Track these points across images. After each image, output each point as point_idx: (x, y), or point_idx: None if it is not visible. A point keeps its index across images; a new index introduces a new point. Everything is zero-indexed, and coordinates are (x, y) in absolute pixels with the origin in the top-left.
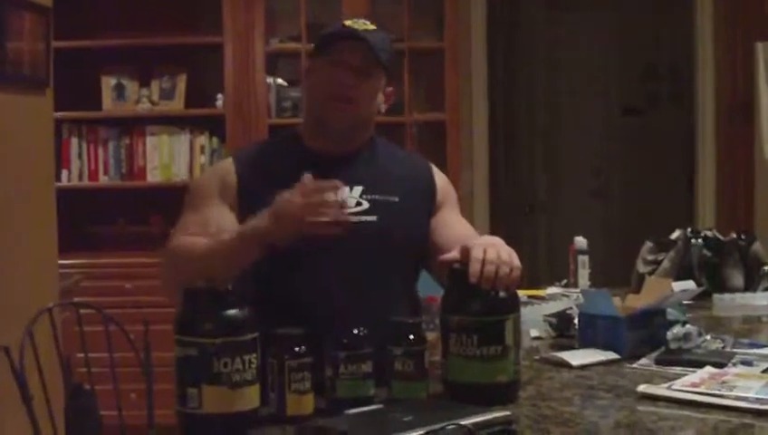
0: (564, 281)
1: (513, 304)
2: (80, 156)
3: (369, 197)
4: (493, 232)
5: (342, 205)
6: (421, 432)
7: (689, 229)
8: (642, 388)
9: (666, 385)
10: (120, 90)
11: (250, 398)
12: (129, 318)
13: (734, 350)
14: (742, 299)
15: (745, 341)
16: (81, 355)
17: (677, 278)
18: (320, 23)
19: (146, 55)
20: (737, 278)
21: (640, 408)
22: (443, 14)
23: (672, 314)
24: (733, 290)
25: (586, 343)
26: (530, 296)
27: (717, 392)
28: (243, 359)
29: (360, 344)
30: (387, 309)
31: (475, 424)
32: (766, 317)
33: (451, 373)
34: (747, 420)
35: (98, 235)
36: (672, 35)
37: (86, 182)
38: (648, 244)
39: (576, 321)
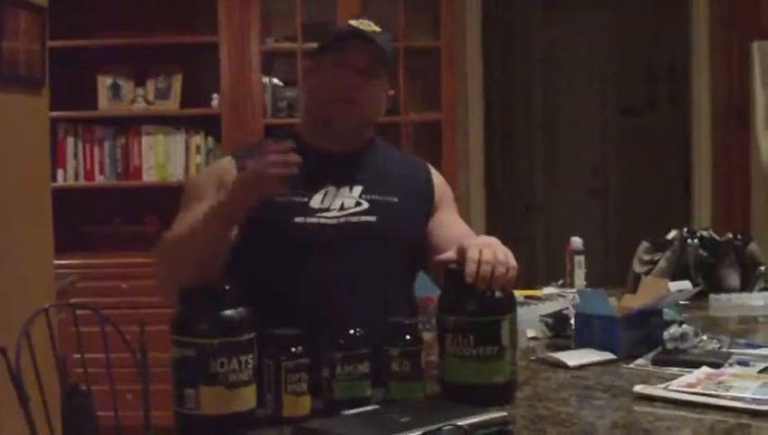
0: (561, 281)
1: (510, 305)
2: (75, 155)
3: (368, 197)
4: (489, 232)
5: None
6: (418, 433)
7: (685, 229)
8: (639, 388)
9: (662, 385)
10: (115, 89)
11: (247, 399)
12: (125, 319)
13: (731, 350)
14: (738, 299)
15: (742, 341)
16: (78, 356)
17: (674, 278)
18: (315, 22)
19: (141, 55)
20: (733, 278)
21: (637, 408)
22: (438, 14)
23: (668, 314)
24: (729, 290)
25: (582, 344)
26: (526, 297)
27: (714, 393)
28: (239, 359)
29: (357, 345)
30: (385, 309)
31: (471, 425)
32: (762, 317)
33: (448, 374)
34: (744, 421)
35: (94, 235)
36: (670, 36)
37: (82, 182)
38: (645, 244)
39: (572, 321)
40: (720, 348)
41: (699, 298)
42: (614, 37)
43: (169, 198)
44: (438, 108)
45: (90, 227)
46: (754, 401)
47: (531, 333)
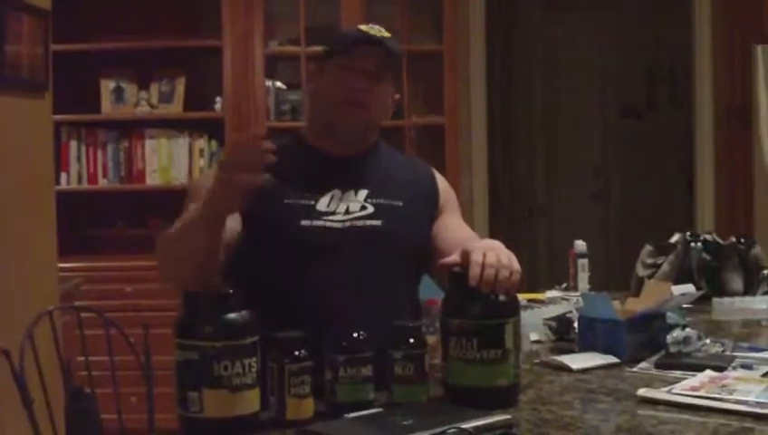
0: (564, 284)
1: (513, 308)
2: (79, 159)
3: (373, 201)
4: (492, 236)
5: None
6: None
7: (689, 233)
8: (642, 392)
9: (666, 389)
10: (118, 93)
11: (250, 402)
12: (129, 321)
13: (734, 353)
14: (741, 303)
15: (745, 344)
16: (82, 359)
17: (677, 282)
18: (319, 26)
19: (145, 58)
20: (737, 282)
21: (640, 412)
22: (441, 17)
23: (672, 317)
24: (732, 294)
25: (586, 347)
26: (530, 300)
27: (717, 396)
28: (243, 362)
29: (360, 348)
30: (389, 313)
31: (475, 428)
32: (766, 321)
33: (451, 377)
34: (747, 424)
35: (97, 238)
36: (671, 37)
37: (85, 185)
38: (648, 247)
39: (576, 324)
40: (723, 351)
41: (702, 302)
42: (615, 38)
43: (173, 201)
44: (441, 111)
45: (93, 231)
46: (758, 404)
47: (534, 337)
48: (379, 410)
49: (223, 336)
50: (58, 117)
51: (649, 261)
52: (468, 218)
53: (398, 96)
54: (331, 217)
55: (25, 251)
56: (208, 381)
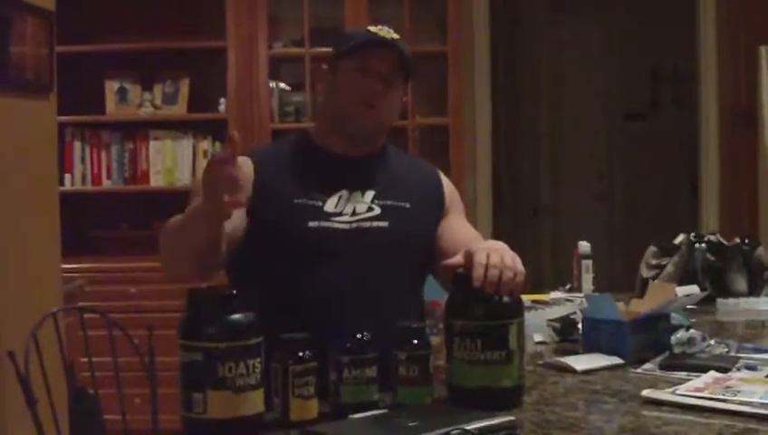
0: (568, 285)
1: (517, 309)
2: (83, 160)
3: (380, 202)
4: (496, 236)
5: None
6: None
7: (693, 234)
8: (646, 393)
9: (670, 390)
10: (122, 94)
11: (254, 403)
12: (133, 322)
13: (738, 354)
14: (746, 304)
15: (749, 345)
16: (85, 360)
17: (681, 283)
18: (323, 27)
19: (149, 60)
20: (741, 283)
21: (645, 413)
22: (445, 18)
23: (676, 318)
24: (736, 295)
25: (590, 348)
26: (534, 301)
27: (721, 397)
28: (247, 363)
29: (364, 349)
30: (395, 314)
31: (479, 429)
32: None
33: (455, 378)
34: (751, 425)
35: (101, 239)
36: (675, 39)
37: (89, 186)
38: (652, 248)
39: (580, 325)
40: (728, 352)
41: (707, 303)
42: (619, 39)
43: (177, 202)
44: (445, 112)
45: (97, 232)
46: (762, 405)
47: (538, 338)
48: (384, 411)
49: (227, 337)
50: (62, 118)
51: (654, 262)
52: (472, 219)
53: (405, 98)
54: (338, 219)
55: (29, 252)
56: (212, 382)
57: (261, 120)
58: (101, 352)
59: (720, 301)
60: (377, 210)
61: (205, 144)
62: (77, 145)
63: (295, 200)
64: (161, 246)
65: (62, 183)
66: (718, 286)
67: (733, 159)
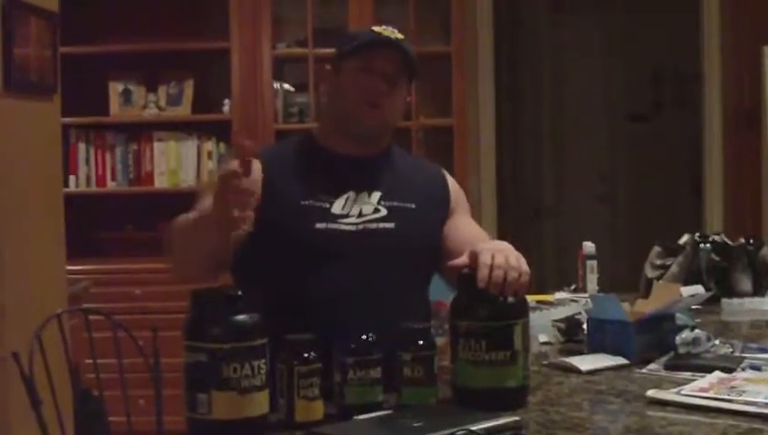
0: (573, 286)
1: (522, 310)
2: (87, 161)
3: (387, 203)
4: (500, 237)
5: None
6: None
7: (697, 234)
8: (651, 393)
9: (675, 390)
10: (127, 95)
11: (259, 404)
12: (137, 324)
13: (743, 354)
14: (750, 304)
15: (754, 345)
16: (90, 361)
17: (686, 283)
18: (326, 28)
19: (153, 61)
20: (745, 283)
21: (649, 413)
22: (449, 19)
23: (681, 318)
24: (741, 295)
25: (595, 348)
26: (538, 301)
27: (726, 397)
28: (252, 364)
29: (369, 350)
30: (401, 315)
31: (484, 429)
32: None
33: (460, 379)
34: (756, 425)
35: (106, 240)
36: (678, 39)
37: (93, 188)
38: (657, 248)
39: (585, 326)
40: (732, 352)
41: (711, 303)
42: (621, 40)
43: (181, 203)
44: (448, 113)
45: (102, 233)
46: (767, 405)
47: (543, 338)
48: (389, 412)
49: (231, 338)
50: (66, 119)
51: (658, 262)
52: (476, 220)
53: (409, 98)
54: (345, 220)
55: (34, 253)
56: (217, 382)
57: (265, 121)
58: (106, 353)
59: (725, 301)
60: (383, 211)
61: (209, 145)
62: (81, 147)
63: (302, 202)
64: (169, 246)
65: (66, 185)
66: (723, 286)
67: (736, 160)
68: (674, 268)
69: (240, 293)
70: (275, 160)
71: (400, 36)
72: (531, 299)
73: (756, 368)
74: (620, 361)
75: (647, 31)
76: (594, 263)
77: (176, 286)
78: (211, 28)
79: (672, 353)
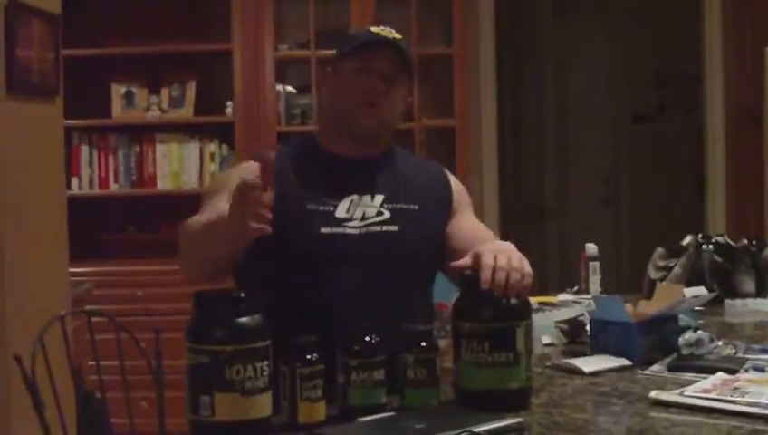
0: (576, 287)
1: (525, 311)
2: (90, 163)
3: (389, 206)
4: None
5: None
6: None
7: (700, 235)
8: (654, 394)
9: (678, 391)
10: (129, 97)
11: (262, 405)
12: (140, 326)
13: (746, 356)
14: (753, 305)
15: (757, 346)
16: (93, 363)
17: (689, 284)
18: (328, 30)
19: (155, 63)
20: (749, 284)
21: (653, 414)
22: (451, 20)
23: (684, 320)
24: (744, 296)
25: (598, 350)
26: (541, 303)
27: (729, 398)
28: (255, 366)
29: (372, 352)
30: (405, 317)
31: (487, 431)
32: None
33: (463, 380)
34: (759, 426)
35: (108, 243)
36: (681, 40)
37: (96, 190)
38: (660, 250)
39: (588, 327)
40: (735, 354)
41: (714, 304)
42: (624, 41)
43: (184, 205)
44: (451, 114)
45: (104, 235)
46: None
47: (546, 340)
48: (391, 413)
49: (234, 340)
50: (69, 122)
51: (661, 263)
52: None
53: (410, 98)
54: (348, 224)
55: (37, 255)
56: (220, 385)
57: (267, 123)
58: (108, 355)
59: (728, 302)
60: (386, 214)
61: (211, 147)
62: (84, 149)
63: (307, 206)
64: (182, 248)
65: (69, 187)
66: (726, 288)
67: (739, 160)
68: (677, 269)
69: (243, 295)
70: (279, 166)
71: (398, 36)
72: (533, 301)
73: (759, 369)
74: (623, 362)
75: (649, 32)
76: (597, 264)
77: (178, 288)
78: (213, 30)
79: (675, 355)
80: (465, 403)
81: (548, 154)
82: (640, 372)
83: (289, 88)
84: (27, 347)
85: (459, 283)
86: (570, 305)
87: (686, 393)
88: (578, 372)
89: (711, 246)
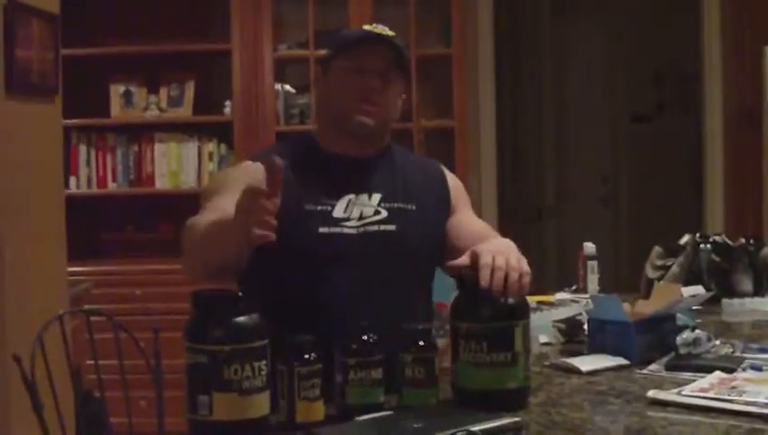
0: (573, 286)
1: (523, 311)
2: (88, 163)
3: (387, 205)
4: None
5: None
6: None
7: (698, 234)
8: (652, 393)
9: (675, 390)
10: (128, 97)
11: (260, 405)
12: (138, 325)
13: (744, 355)
14: (751, 304)
15: (755, 345)
16: (92, 362)
17: (686, 283)
18: (327, 29)
19: (154, 62)
20: (746, 283)
21: (650, 413)
22: (449, 20)
23: (681, 319)
24: (742, 295)
25: (596, 349)
26: (539, 302)
27: (727, 397)
28: (253, 366)
29: (370, 351)
30: (403, 316)
31: (484, 430)
32: None
33: (461, 380)
34: (757, 425)
35: (107, 242)
36: (680, 40)
37: (95, 189)
38: (657, 249)
39: (585, 326)
40: (733, 353)
41: (712, 303)
42: (623, 40)
43: (182, 205)
44: (450, 115)
45: (103, 234)
46: (767, 405)
47: (544, 339)
48: (389, 413)
49: (232, 340)
50: (68, 121)
51: (659, 263)
52: None
53: (404, 96)
54: (346, 224)
55: (35, 255)
56: (218, 384)
57: (266, 123)
58: (107, 354)
59: (725, 301)
60: (384, 214)
61: (210, 146)
62: (82, 148)
63: (305, 206)
64: (186, 248)
65: (67, 186)
66: (723, 287)
67: (737, 160)
68: (674, 269)
69: (240, 294)
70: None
71: (390, 33)
72: (531, 300)
73: (757, 368)
74: (621, 361)
75: (648, 31)
76: (595, 263)
77: (177, 287)
78: (212, 29)
79: (673, 354)
80: (463, 403)
81: (546, 153)
82: (638, 371)
83: (288, 87)
84: (26, 347)
85: (456, 283)
86: (567, 305)
87: (683, 392)
88: (575, 371)
89: (709, 246)
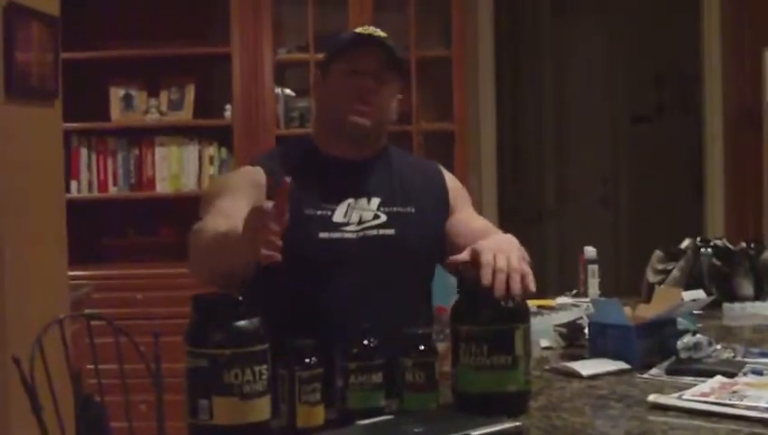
0: (574, 291)
1: (523, 314)
2: (89, 167)
3: (386, 209)
4: None
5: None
6: None
7: (699, 238)
8: (653, 398)
9: (676, 395)
10: (128, 100)
11: (261, 409)
12: (139, 329)
13: (745, 359)
14: (752, 308)
15: (756, 350)
16: (92, 367)
17: (687, 288)
18: (327, 32)
19: (154, 66)
20: (747, 287)
21: (651, 418)
22: (449, 23)
23: (682, 323)
24: (743, 299)
25: (596, 353)
26: (540, 306)
27: (728, 402)
28: (253, 370)
29: (371, 355)
30: (403, 320)
31: None
32: None
33: (461, 383)
34: (758, 430)
35: (107, 246)
36: (680, 41)
37: (95, 193)
38: (658, 253)
39: (586, 330)
40: (734, 357)
41: (713, 307)
42: (623, 42)
43: (183, 208)
44: (450, 117)
45: (103, 239)
46: None
47: (544, 343)
48: (390, 417)
49: (233, 344)
50: (68, 125)
51: (660, 267)
52: None
53: (400, 97)
54: (346, 228)
55: (36, 259)
56: (218, 388)
57: (266, 126)
58: (108, 358)
59: (726, 305)
60: (383, 217)
61: (211, 150)
62: (83, 152)
63: (305, 211)
64: (192, 255)
65: (68, 190)
66: (724, 291)
67: (738, 162)
68: (675, 273)
69: (241, 298)
70: (278, 169)
71: (383, 35)
72: (532, 304)
73: (758, 372)
74: (622, 365)
75: (648, 32)
76: (596, 267)
77: (177, 291)
78: (212, 33)
79: (673, 358)
80: (464, 407)
81: (547, 154)
82: (639, 375)
83: (288, 91)
84: (26, 350)
85: (457, 283)
86: (568, 309)
87: (684, 397)
88: (576, 375)
89: (709, 250)
